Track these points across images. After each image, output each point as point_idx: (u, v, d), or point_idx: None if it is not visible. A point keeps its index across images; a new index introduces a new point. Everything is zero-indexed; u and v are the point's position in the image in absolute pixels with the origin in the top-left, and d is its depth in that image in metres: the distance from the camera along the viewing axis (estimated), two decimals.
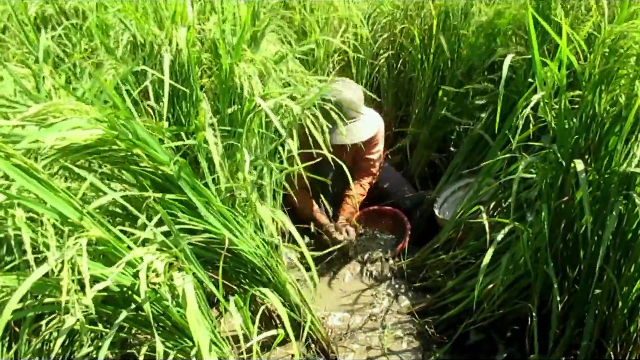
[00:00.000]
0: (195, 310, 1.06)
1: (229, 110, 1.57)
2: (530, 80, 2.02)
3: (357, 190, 2.39)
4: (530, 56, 1.52)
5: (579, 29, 1.89)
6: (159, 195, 1.21)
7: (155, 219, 1.17)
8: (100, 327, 1.16)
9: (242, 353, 1.27)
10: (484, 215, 1.65)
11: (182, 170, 1.23)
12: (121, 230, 1.14)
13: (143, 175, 1.24)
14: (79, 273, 0.95)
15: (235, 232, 1.38)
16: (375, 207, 2.45)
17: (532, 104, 1.48)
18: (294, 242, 1.50)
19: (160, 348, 1.07)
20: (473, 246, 1.89)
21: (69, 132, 1.03)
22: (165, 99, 1.43)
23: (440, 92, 2.50)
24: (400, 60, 2.85)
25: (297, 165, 1.48)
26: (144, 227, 1.18)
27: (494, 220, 1.66)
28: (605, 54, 1.36)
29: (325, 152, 1.48)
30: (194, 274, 1.17)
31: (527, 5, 1.55)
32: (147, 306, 1.04)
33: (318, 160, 1.58)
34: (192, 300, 1.06)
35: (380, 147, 2.40)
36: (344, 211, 2.35)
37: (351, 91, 2.13)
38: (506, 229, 1.56)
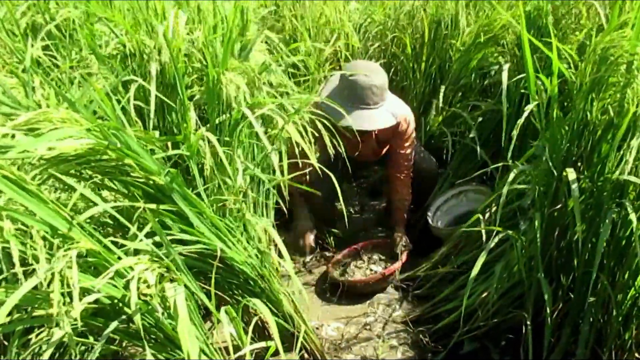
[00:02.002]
0: (187, 322, 1.04)
1: (217, 120, 1.56)
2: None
3: (403, 191, 2.30)
4: (522, 63, 1.53)
5: (570, 38, 1.91)
6: (151, 205, 1.20)
7: (146, 229, 1.15)
8: (90, 339, 1.14)
9: None
10: (482, 224, 1.66)
11: (173, 181, 1.22)
12: (112, 242, 1.12)
13: (134, 185, 1.22)
14: (69, 285, 0.93)
15: (227, 242, 1.36)
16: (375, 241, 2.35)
17: (525, 114, 1.49)
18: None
19: None
20: (467, 255, 1.88)
21: (59, 142, 1.01)
22: (152, 108, 1.42)
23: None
24: (392, 69, 2.86)
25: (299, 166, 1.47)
26: (135, 237, 1.16)
27: (488, 228, 1.66)
28: (596, 62, 1.37)
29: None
30: (185, 285, 1.15)
31: (521, 20, 1.55)
32: (137, 318, 1.02)
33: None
34: (183, 312, 1.05)
35: (412, 140, 2.25)
36: (399, 222, 2.28)
37: (372, 76, 2.00)
38: (498, 236, 1.56)
